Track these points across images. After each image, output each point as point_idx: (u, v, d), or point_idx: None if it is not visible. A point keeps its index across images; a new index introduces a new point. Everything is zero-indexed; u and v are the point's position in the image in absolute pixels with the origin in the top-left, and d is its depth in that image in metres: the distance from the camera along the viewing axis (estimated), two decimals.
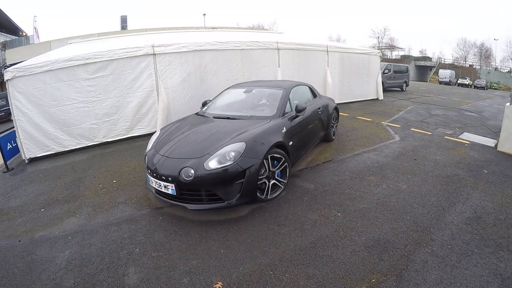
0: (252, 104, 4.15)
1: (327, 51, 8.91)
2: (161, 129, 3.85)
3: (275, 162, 3.21)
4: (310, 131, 4.31)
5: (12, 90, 4.98)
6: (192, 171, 2.78)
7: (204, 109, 4.32)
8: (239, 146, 2.89)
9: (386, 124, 7.00)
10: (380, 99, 10.90)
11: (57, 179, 4.44)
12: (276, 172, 3.24)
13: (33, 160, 5.29)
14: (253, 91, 4.41)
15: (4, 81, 4.92)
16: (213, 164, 2.79)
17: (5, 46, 21.37)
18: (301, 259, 2.37)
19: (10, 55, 14.36)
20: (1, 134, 5.12)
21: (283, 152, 3.28)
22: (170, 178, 2.89)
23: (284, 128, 3.47)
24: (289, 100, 3.97)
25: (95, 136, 5.76)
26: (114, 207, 3.46)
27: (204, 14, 37.04)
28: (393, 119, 7.63)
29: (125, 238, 2.84)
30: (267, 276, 2.21)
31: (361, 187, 3.64)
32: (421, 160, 4.59)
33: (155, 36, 7.91)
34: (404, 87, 15.83)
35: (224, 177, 2.77)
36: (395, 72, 15.00)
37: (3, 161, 4.99)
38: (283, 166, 3.30)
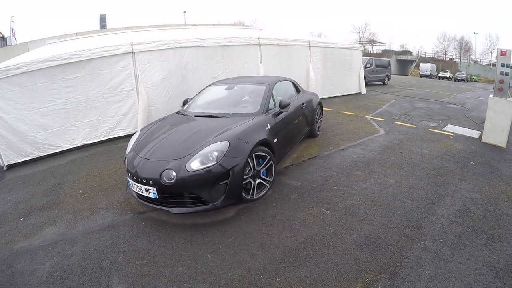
0: (235, 101, 4.04)
1: (309, 46, 8.88)
2: (140, 130, 3.70)
3: (260, 160, 3.13)
4: (294, 127, 4.25)
5: None
6: (174, 173, 2.66)
7: (185, 108, 4.18)
8: (222, 145, 2.78)
9: (370, 118, 7.04)
10: (363, 93, 10.98)
11: (36, 186, 4.21)
12: (262, 170, 3.16)
13: (12, 167, 5.01)
14: (235, 87, 4.30)
15: None
16: (195, 165, 2.67)
17: None
18: (291, 261, 2.30)
19: None
20: None
21: (268, 150, 3.20)
22: (151, 182, 2.76)
23: (268, 125, 3.38)
24: (272, 96, 3.89)
25: (74, 139, 5.52)
26: (95, 213, 3.30)
27: (185, 12, 36.35)
28: (377, 113, 7.68)
29: (107, 246, 2.70)
30: (257, 281, 2.13)
31: (349, 183, 3.61)
32: (407, 153, 4.61)
33: (135, 35, 7.63)
34: (386, 81, 16.03)
35: (207, 179, 2.66)
36: (377, 66, 15.15)
37: None
38: (268, 164, 3.22)
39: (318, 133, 5.43)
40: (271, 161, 3.23)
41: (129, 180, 3.04)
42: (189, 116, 3.80)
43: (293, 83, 4.98)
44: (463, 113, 8.32)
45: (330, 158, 4.44)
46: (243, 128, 3.07)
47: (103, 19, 14.44)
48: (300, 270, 2.21)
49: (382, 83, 15.68)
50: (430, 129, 6.13)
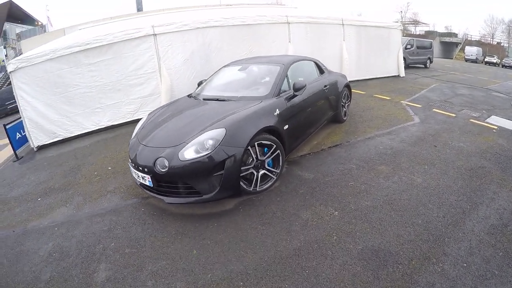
0: (246, 83, 3.78)
1: (343, 25, 8.15)
2: (148, 114, 3.65)
3: (266, 149, 2.88)
4: (313, 112, 3.87)
5: (16, 82, 5.05)
6: (167, 162, 2.54)
7: (197, 90, 4.03)
8: (218, 133, 2.57)
9: (406, 104, 6.30)
10: (401, 76, 10.10)
11: (58, 167, 4.49)
12: (267, 161, 2.91)
13: (41, 148, 5.44)
14: (249, 68, 4.01)
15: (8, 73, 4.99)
16: (188, 154, 2.52)
17: (20, 37, 22.39)
18: (279, 270, 2.07)
19: (26, 45, 14.91)
20: (9, 124, 5.27)
21: (275, 138, 2.92)
22: (146, 169, 2.69)
23: (278, 109, 3.07)
24: (287, 77, 3.54)
25: (100, 121, 5.77)
26: (102, 196, 3.39)
27: None
28: (414, 98, 6.89)
29: (105, 231, 2.75)
30: (236, 287, 1.95)
31: (368, 179, 3.20)
32: (442, 147, 3.97)
33: (163, 17, 7.61)
34: (427, 64, 14.94)
35: (200, 169, 2.49)
36: (418, 47, 14.13)
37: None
38: (275, 154, 2.95)
39: (344, 118, 4.97)
40: (278, 151, 2.96)
41: (130, 166, 3.03)
42: (198, 99, 3.65)
43: (315, 63, 4.53)
44: (510, 103, 7.15)
45: (353, 147, 4.02)
46: (245, 114, 2.82)
47: (139, 2, 14.76)
48: (285, 281, 1.97)
49: (423, 66, 14.63)
50: (471, 120, 5.29)
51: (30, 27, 26.86)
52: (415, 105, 6.20)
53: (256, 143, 2.72)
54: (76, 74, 5.34)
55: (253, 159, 2.77)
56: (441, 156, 3.70)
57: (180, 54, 6.10)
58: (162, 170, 2.57)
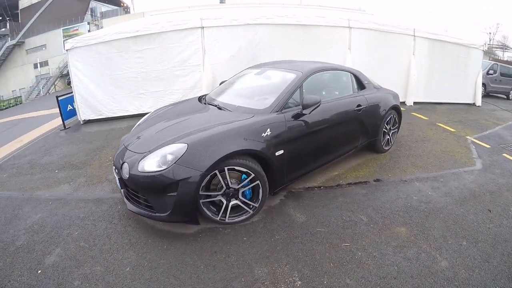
0: (253, 91, 3.48)
1: (414, 36, 7.02)
2: (153, 111, 3.74)
3: (244, 176, 2.56)
4: (332, 137, 3.33)
5: (71, 59, 5.90)
6: (128, 169, 2.52)
7: (212, 91, 3.94)
8: (178, 148, 2.37)
9: (472, 141, 5.02)
10: (476, 104, 8.51)
11: (87, 144, 5.08)
12: (242, 190, 2.59)
13: (87, 122, 6.25)
14: (265, 73, 3.64)
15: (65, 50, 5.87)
16: (148, 165, 2.41)
17: (103, 15, 25.98)
18: None
19: (107, 24, 17.14)
20: (62, 96, 6.20)
21: (254, 166, 2.53)
22: (116, 170, 2.75)
23: (269, 130, 2.65)
24: (300, 88, 3.07)
25: (142, 106, 6.30)
26: (100, 183, 3.66)
27: None
28: (484, 135, 5.52)
29: (79, 218, 2.94)
30: None
31: (372, 244, 2.47)
32: (499, 214, 2.92)
33: (247, 10, 7.70)
34: (511, 95, 12.67)
35: (154, 185, 2.35)
36: (502, 74, 12.28)
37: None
38: (254, 184, 2.60)
39: (386, 148, 4.22)
40: (257, 182, 2.59)
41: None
42: (203, 103, 3.53)
43: (354, 75, 3.90)
44: None
45: (379, 191, 3.32)
46: (219, 131, 2.54)
47: None
48: None
49: (505, 97, 12.75)
50: None
51: (115, 7, 30.93)
52: (482, 144, 4.93)
53: (226, 168, 2.44)
54: (125, 59, 5.93)
55: (222, 185, 2.50)
56: (491, 229, 2.72)
57: (226, 50, 6.18)
58: (126, 175, 2.54)
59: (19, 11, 30.09)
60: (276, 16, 6.15)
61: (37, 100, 22.75)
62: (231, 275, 2.15)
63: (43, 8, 28.42)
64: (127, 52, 5.89)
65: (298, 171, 3.07)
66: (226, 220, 2.60)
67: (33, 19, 28.57)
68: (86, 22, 24.80)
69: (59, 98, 6.03)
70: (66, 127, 6.08)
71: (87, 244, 2.54)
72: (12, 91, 29.75)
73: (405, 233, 2.62)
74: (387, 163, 3.98)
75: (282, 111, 2.87)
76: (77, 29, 25.81)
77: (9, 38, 29.38)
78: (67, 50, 5.80)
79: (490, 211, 2.99)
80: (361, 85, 3.92)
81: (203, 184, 2.39)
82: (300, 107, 2.93)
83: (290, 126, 2.83)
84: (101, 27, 21.72)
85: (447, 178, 3.61)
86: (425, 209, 2.99)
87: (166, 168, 2.32)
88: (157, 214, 2.45)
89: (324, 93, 3.57)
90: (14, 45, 29.38)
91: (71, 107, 6.27)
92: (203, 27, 5.94)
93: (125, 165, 2.57)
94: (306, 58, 6.28)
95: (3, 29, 29.89)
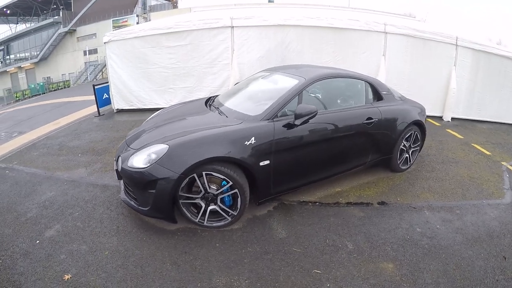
0: (255, 96, 3.46)
1: (456, 45, 6.31)
2: (163, 109, 3.96)
3: (224, 182, 2.58)
4: (332, 151, 3.17)
5: (108, 51, 6.46)
6: (120, 162, 2.74)
7: (221, 93, 4.05)
8: (161, 149, 2.51)
9: (507, 168, 4.35)
10: None
11: (114, 132, 5.53)
12: (223, 197, 2.62)
13: (120, 111, 6.79)
14: (270, 78, 3.61)
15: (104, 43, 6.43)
16: (136, 161, 2.58)
17: (151, 9, 27.09)
18: None
19: (154, 18, 18.01)
20: (98, 85, 6.82)
21: (233, 175, 2.53)
22: (115, 160, 2.99)
23: (253, 139, 2.62)
24: (300, 96, 2.96)
25: (171, 100, 6.64)
26: (112, 170, 3.90)
27: None
28: None
29: (84, 200, 3.26)
30: None
31: (347, 277, 2.25)
32: None
33: (292, 10, 7.72)
34: None
35: (138, 180, 2.52)
36: None
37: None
38: (232, 192, 2.61)
39: (403, 167, 3.89)
40: (236, 190, 2.58)
41: None
42: (207, 105, 3.61)
43: (370, 84, 3.62)
44: None
45: (380, 215, 3.04)
46: (202, 135, 2.60)
47: None
48: None
49: None
50: None
51: (164, 1, 32.14)
52: None
53: (204, 173, 2.50)
54: (157, 54, 6.33)
55: (201, 189, 2.57)
56: (500, 282, 2.29)
57: (255, 50, 6.26)
58: (119, 168, 2.77)
59: (72, 0, 32.71)
60: (306, 17, 6.06)
61: (84, 85, 24.63)
62: (190, 278, 2.20)
63: None
64: (160, 47, 6.28)
65: (288, 184, 2.99)
66: (205, 223, 2.67)
67: (85, 9, 30.96)
68: (135, 15, 26.33)
69: (96, 87, 6.66)
70: (101, 114, 6.69)
71: (82, 225, 2.81)
72: (62, 74, 32.59)
73: (391, 270, 2.32)
74: (400, 185, 3.65)
75: (274, 120, 2.80)
76: (126, 21, 27.50)
77: (61, 25, 32.21)
78: (105, 42, 6.38)
79: (505, 258, 2.55)
80: (377, 95, 3.65)
81: (182, 185, 2.48)
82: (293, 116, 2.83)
83: (280, 136, 2.75)
84: (149, 20, 23.12)
85: (464, 210, 3.21)
86: (426, 245, 2.62)
87: (148, 166, 2.47)
88: (140, 208, 2.62)
89: (330, 102, 3.43)
90: (66, 32, 31.97)
91: (106, 96, 6.87)
92: (233, 27, 6.09)
93: (120, 159, 2.79)
94: (338, 64, 6.11)
95: (56, 17, 32.85)
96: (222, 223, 2.71)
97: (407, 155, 3.90)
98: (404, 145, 3.80)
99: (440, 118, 6.61)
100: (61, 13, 32.28)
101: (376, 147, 3.55)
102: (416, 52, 6.30)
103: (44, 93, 24.98)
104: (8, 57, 37.48)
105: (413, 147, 3.95)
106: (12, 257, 2.42)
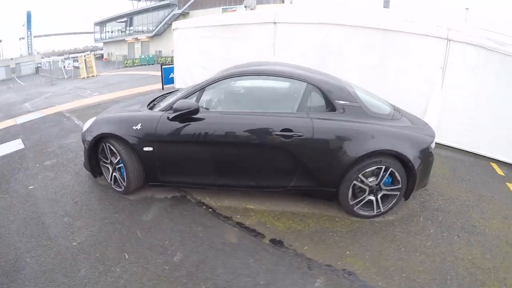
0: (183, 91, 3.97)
1: (448, 39, 4.38)
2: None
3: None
4: (224, 156, 3.07)
5: (175, 38, 7.85)
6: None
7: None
8: (92, 120, 3.48)
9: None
10: None
11: None
12: (118, 166, 3.24)
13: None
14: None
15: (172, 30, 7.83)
16: (86, 125, 3.58)
17: (258, 2, 27.10)
18: None
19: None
20: (165, 65, 8.35)
21: (122, 152, 3.08)
22: None
23: (140, 125, 3.04)
24: (201, 92, 3.10)
25: None
26: None
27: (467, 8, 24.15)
28: None
29: (92, 182, 3.68)
30: None
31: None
32: None
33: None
34: None
35: (83, 138, 3.51)
36: None
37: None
38: (119, 166, 3.19)
39: (362, 213, 3.03)
40: (122, 164, 3.13)
41: None
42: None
43: (319, 88, 3.04)
44: None
45: (245, 251, 2.55)
46: (115, 116, 3.43)
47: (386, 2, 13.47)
48: None
49: None
50: None
51: None
52: None
53: (108, 145, 3.18)
54: (213, 43, 7.34)
55: (108, 157, 3.30)
56: None
57: (293, 48, 6.31)
58: None
59: None
60: (352, 16, 5.57)
61: None
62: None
63: None
64: (216, 38, 7.25)
65: (176, 177, 3.22)
66: (122, 189, 3.32)
67: None
68: (244, 6, 27.84)
69: (163, 67, 8.30)
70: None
71: (79, 200, 3.31)
72: (172, 50, 38.34)
73: None
74: (337, 232, 2.78)
75: (166, 111, 3.08)
76: (234, 10, 29.65)
77: (176, 7, 37.62)
78: (173, 29, 7.82)
79: None
80: (329, 104, 3.00)
81: (99, 150, 3.33)
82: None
83: (161, 127, 3.01)
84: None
85: None
86: None
87: (83, 130, 3.54)
88: (83, 160, 3.65)
89: (248, 104, 3.37)
90: (180, 14, 36.64)
91: (172, 75, 8.45)
92: (275, 23, 6.32)
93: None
94: (382, 70, 5.45)
95: None
96: (119, 189, 3.36)
97: (372, 198, 2.98)
98: (363, 182, 2.91)
99: (511, 166, 4.53)
100: None
101: (304, 171, 2.96)
102: (491, 72, 4.57)
103: (153, 64, 29.76)
104: (129, 28, 45.13)
105: (387, 189, 2.98)
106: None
